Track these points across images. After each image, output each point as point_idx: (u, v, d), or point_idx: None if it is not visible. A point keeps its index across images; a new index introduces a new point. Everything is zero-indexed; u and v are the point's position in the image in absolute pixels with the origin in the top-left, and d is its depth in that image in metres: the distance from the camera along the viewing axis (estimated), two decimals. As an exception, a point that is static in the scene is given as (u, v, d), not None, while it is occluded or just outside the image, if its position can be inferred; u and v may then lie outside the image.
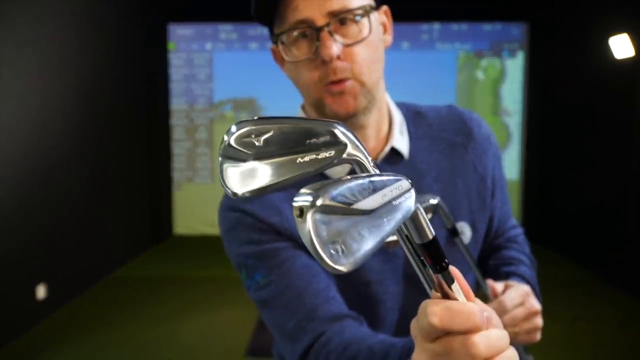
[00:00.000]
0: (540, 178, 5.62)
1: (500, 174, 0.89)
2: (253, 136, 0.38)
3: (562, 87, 5.22)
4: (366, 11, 0.70)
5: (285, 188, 0.40)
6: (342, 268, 0.32)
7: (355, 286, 0.77)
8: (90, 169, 4.17)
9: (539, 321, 0.72)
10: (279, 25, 0.71)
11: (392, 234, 0.35)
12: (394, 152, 0.80)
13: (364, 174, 0.36)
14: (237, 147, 0.38)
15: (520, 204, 5.82)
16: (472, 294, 0.44)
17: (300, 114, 0.83)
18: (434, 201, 0.72)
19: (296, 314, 0.70)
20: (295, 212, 0.32)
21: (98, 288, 4.18)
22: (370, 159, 0.41)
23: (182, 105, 6.00)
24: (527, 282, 0.83)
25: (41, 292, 3.44)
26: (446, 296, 0.42)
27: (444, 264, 0.41)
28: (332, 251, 0.32)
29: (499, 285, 0.74)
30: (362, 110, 0.73)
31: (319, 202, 0.31)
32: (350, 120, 0.73)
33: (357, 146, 0.40)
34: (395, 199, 0.36)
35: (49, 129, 3.57)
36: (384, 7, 0.79)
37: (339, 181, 0.33)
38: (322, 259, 0.31)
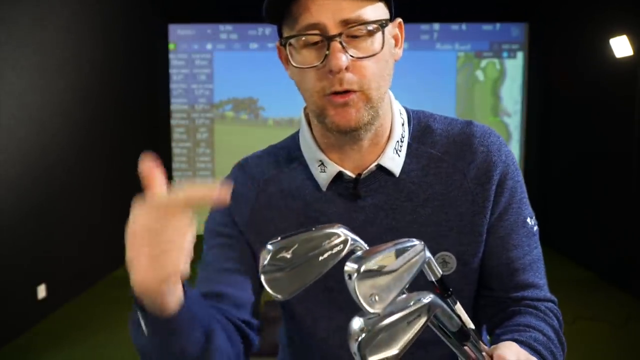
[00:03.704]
0: (540, 178, 5.62)
1: (517, 213, 0.79)
2: (284, 251, 0.53)
3: (562, 87, 5.22)
4: (381, 25, 0.68)
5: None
6: (377, 311, 0.46)
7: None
8: (90, 169, 4.17)
9: None
10: (289, 26, 0.69)
11: (410, 281, 0.49)
12: (383, 168, 0.77)
13: (389, 245, 0.50)
14: (275, 263, 0.53)
15: (520, 204, 5.82)
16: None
17: (303, 118, 0.82)
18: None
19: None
20: (346, 275, 0.46)
21: (98, 288, 4.18)
22: (363, 243, 0.56)
23: (182, 105, 6.01)
24: (535, 351, 0.69)
25: (41, 292, 3.44)
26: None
27: (449, 292, 0.56)
28: (370, 300, 0.46)
29: (485, 348, 0.60)
30: (364, 125, 0.71)
31: (361, 269, 0.46)
32: (350, 133, 0.71)
33: (354, 239, 0.56)
34: (411, 258, 0.49)
35: (50, 129, 3.58)
36: (398, 20, 0.76)
37: (374, 251, 0.48)
38: (363, 306, 0.45)
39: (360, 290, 0.45)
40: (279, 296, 0.53)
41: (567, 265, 4.75)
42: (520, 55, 5.80)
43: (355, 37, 0.67)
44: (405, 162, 0.78)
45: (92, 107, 4.20)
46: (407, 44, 5.74)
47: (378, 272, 0.47)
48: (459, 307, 0.54)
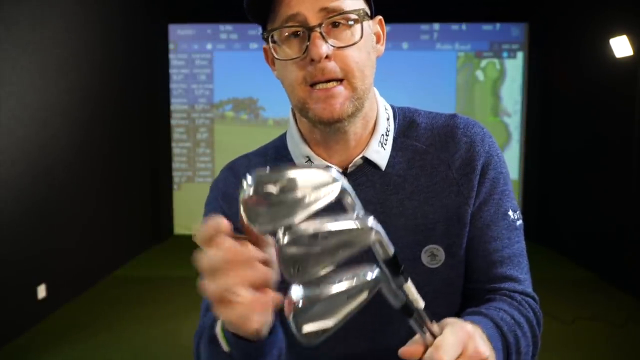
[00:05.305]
0: (540, 178, 5.62)
1: (498, 205, 0.78)
2: (271, 184, 0.46)
3: (562, 87, 5.23)
4: (360, 16, 0.69)
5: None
6: (295, 281, 0.45)
7: None
8: (90, 169, 4.17)
9: None
10: (271, 21, 0.70)
11: (341, 262, 0.46)
12: (369, 162, 0.77)
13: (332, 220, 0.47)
14: (259, 194, 0.46)
15: (520, 204, 5.82)
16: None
17: (290, 117, 0.83)
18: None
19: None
20: (276, 238, 0.44)
21: (98, 288, 4.18)
22: (354, 195, 0.50)
23: (182, 105, 6.01)
24: (497, 326, 0.67)
25: (41, 292, 3.44)
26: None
27: (401, 270, 0.51)
28: (291, 270, 0.44)
29: (434, 328, 0.55)
30: (348, 117, 0.70)
31: (288, 236, 0.44)
32: (334, 124, 0.71)
33: (344, 188, 0.49)
34: (352, 238, 0.47)
35: (50, 129, 3.58)
36: (379, 17, 0.77)
37: (313, 219, 0.46)
38: (284, 272, 0.44)
39: (283, 257, 0.44)
40: (254, 227, 0.47)
41: (567, 265, 4.75)
42: (520, 55, 5.80)
43: (335, 27, 0.68)
44: (391, 156, 0.78)
45: (92, 107, 4.20)
46: (407, 44, 5.75)
47: (308, 243, 0.45)
48: (409, 286, 0.52)
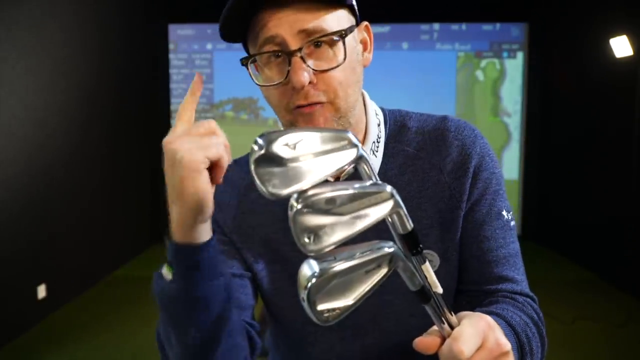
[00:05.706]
0: (540, 178, 5.62)
1: (491, 205, 0.76)
2: (288, 145, 0.44)
3: (562, 87, 5.22)
4: (341, 35, 0.66)
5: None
6: (310, 253, 0.42)
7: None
8: (90, 169, 4.17)
9: None
10: (252, 43, 0.69)
11: (359, 232, 0.44)
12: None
13: (349, 185, 0.44)
14: (274, 154, 0.44)
15: (520, 204, 5.82)
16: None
17: (280, 125, 0.82)
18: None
19: None
20: (289, 207, 0.42)
21: (98, 288, 4.18)
22: (368, 159, 0.48)
23: (182, 105, 6.01)
24: (510, 326, 0.65)
25: (41, 292, 3.44)
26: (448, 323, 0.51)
27: (419, 248, 0.48)
28: (305, 239, 0.42)
29: (452, 318, 0.52)
30: None
31: (301, 203, 0.41)
32: None
33: (361, 153, 0.47)
34: (369, 205, 0.44)
35: (50, 129, 3.57)
36: (364, 23, 0.75)
37: (328, 185, 0.43)
38: (298, 245, 0.42)
39: (297, 225, 0.41)
40: (266, 190, 0.44)
41: (568, 266, 4.75)
42: (520, 55, 5.79)
43: (316, 47, 0.66)
44: (382, 163, 0.78)
45: (92, 107, 4.20)
46: (407, 44, 5.74)
47: (323, 210, 0.42)
48: (426, 267, 0.49)
